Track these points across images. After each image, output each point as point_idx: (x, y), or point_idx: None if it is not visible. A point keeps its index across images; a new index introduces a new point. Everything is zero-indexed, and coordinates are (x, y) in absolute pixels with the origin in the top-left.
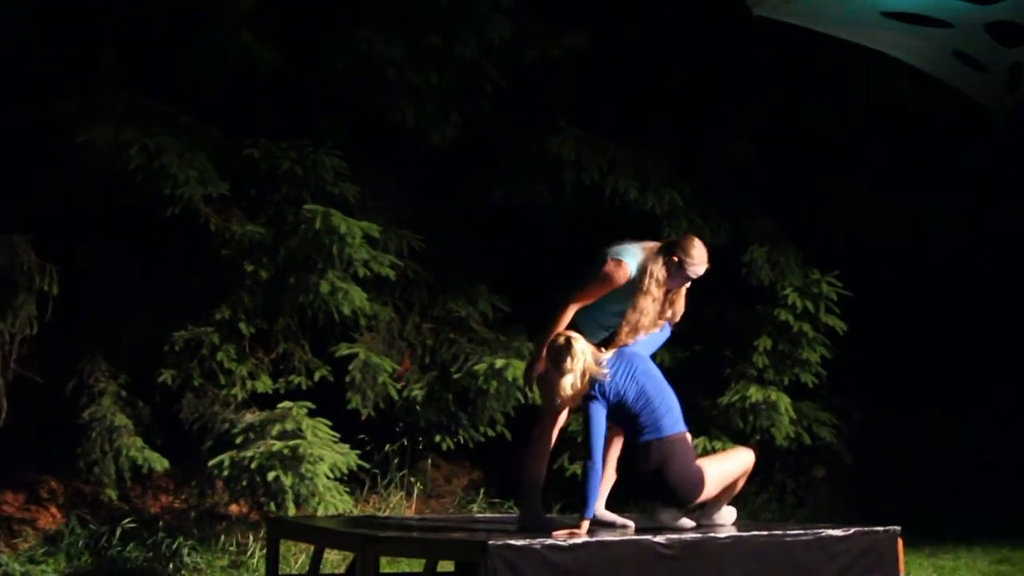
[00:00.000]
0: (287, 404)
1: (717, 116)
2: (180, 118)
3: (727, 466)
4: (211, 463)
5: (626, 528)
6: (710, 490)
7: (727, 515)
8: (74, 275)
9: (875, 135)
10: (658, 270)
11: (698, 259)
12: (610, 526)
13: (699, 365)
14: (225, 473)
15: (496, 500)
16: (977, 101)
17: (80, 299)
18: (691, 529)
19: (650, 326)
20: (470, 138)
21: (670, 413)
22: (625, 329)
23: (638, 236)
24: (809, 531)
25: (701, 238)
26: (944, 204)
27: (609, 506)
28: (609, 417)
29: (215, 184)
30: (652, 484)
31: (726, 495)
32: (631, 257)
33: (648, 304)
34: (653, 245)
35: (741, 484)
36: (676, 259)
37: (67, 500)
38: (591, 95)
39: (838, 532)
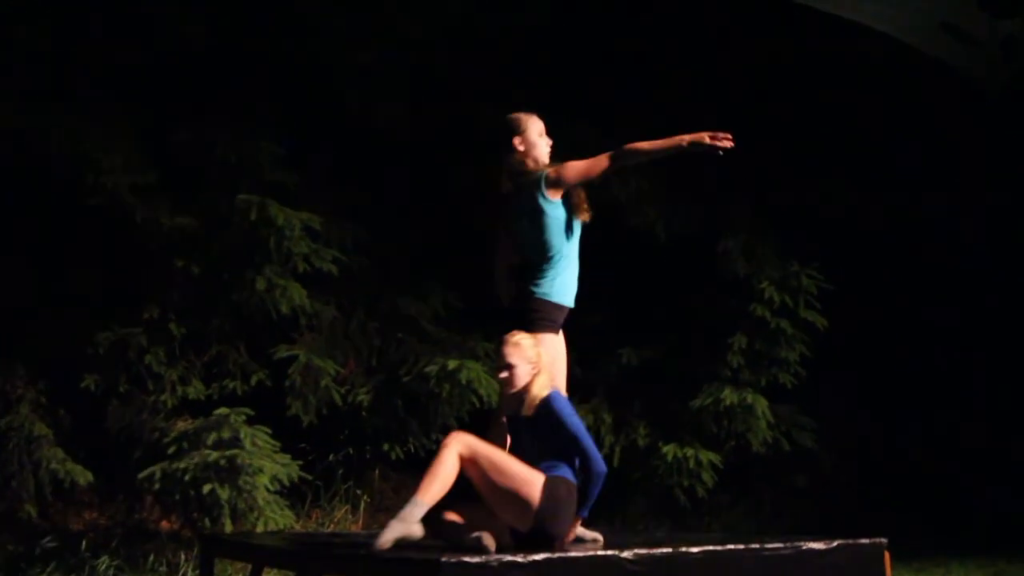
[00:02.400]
0: (223, 410)
1: (688, 96)
2: (104, 100)
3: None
4: (141, 476)
5: (596, 542)
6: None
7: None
8: None
9: (860, 118)
10: (527, 164)
11: (527, 120)
12: (578, 540)
13: (669, 365)
14: (156, 486)
15: None
16: (964, 76)
17: None
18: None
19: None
20: (420, 121)
21: None
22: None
23: (604, 226)
24: (789, 544)
25: (671, 228)
26: (937, 190)
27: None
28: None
29: (142, 172)
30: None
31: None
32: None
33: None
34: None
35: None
36: (519, 146)
37: None
38: (550, 76)
39: (820, 545)
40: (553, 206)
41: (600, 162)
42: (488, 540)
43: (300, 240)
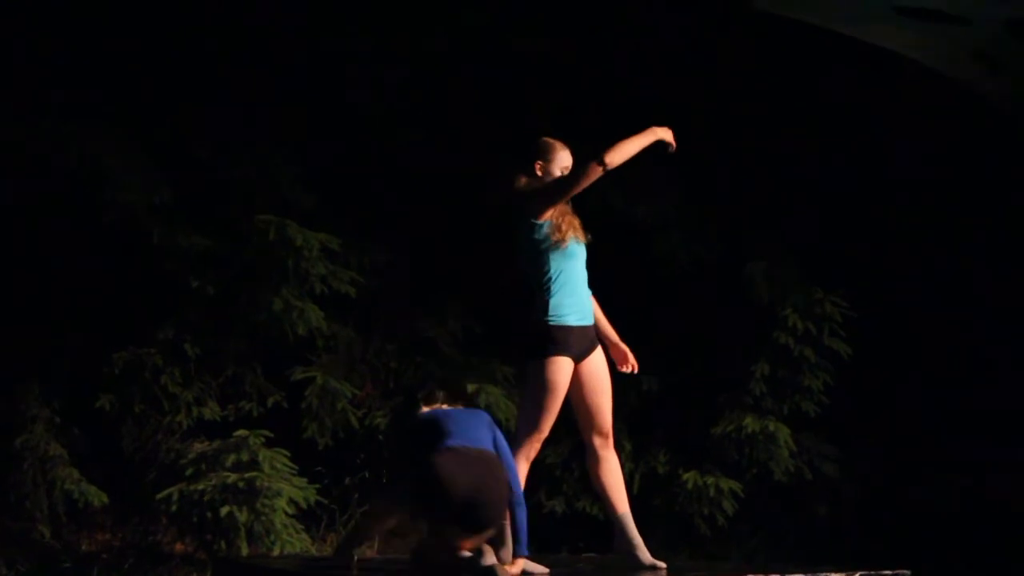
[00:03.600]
0: (243, 432)
1: (712, 118)
2: (120, 117)
3: None
4: (159, 496)
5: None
6: None
7: None
8: None
9: (886, 142)
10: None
11: (559, 150)
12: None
13: (690, 391)
14: (173, 508)
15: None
16: (995, 105)
17: (7, 316)
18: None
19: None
20: (441, 141)
21: None
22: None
23: (626, 250)
24: (810, 575)
25: (693, 253)
26: (966, 217)
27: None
28: None
29: (158, 190)
30: None
31: None
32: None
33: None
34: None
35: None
36: (539, 171)
37: None
38: (572, 95)
39: None
40: (539, 228)
41: (589, 173)
42: (501, 570)
43: (318, 261)
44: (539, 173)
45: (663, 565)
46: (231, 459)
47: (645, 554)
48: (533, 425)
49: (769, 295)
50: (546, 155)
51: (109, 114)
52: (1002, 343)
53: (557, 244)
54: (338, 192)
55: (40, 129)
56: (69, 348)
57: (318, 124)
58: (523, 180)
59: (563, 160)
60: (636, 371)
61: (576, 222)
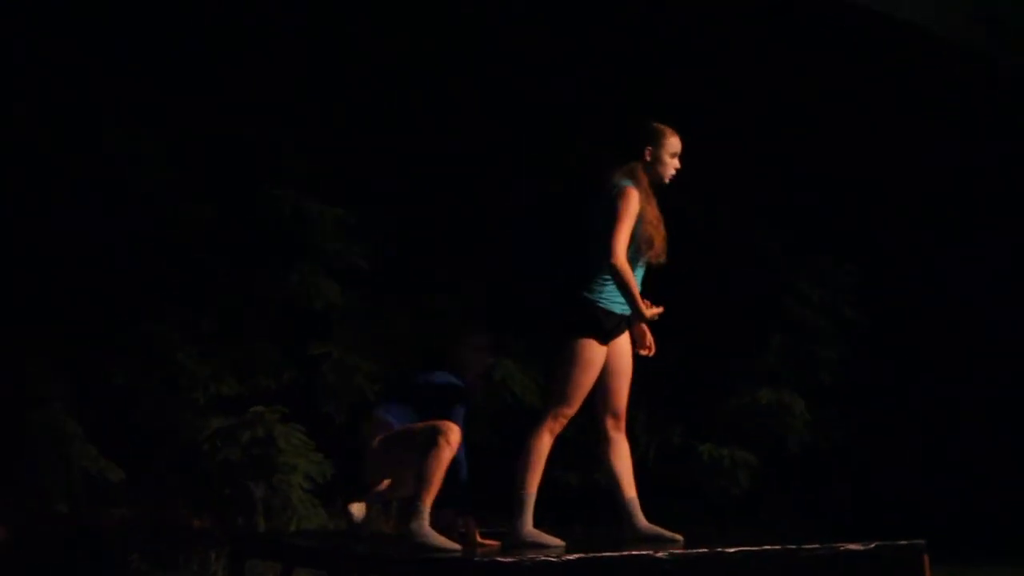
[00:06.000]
0: (258, 408)
1: (725, 90)
2: (133, 94)
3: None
4: (174, 473)
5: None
6: None
7: None
8: (13, 267)
9: (898, 114)
10: (640, 174)
11: (669, 136)
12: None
13: (705, 363)
14: (189, 484)
15: (484, 514)
16: (1000, 65)
17: (23, 294)
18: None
19: (658, 240)
20: (454, 116)
21: None
22: (645, 249)
23: None
24: (826, 545)
25: (710, 225)
26: (977, 183)
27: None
28: None
29: (173, 166)
30: None
31: None
32: (631, 180)
33: (650, 214)
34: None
35: None
36: (648, 156)
37: (11, 514)
38: (588, 64)
39: (857, 546)
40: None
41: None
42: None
43: (333, 235)
44: (648, 158)
45: (679, 537)
46: (247, 435)
47: (657, 532)
48: (564, 400)
49: (784, 266)
50: (656, 140)
51: (124, 93)
52: (1017, 317)
53: (643, 251)
54: (352, 167)
55: (55, 107)
56: (85, 325)
57: (331, 99)
58: (635, 166)
59: (672, 146)
60: (652, 354)
61: (663, 237)
